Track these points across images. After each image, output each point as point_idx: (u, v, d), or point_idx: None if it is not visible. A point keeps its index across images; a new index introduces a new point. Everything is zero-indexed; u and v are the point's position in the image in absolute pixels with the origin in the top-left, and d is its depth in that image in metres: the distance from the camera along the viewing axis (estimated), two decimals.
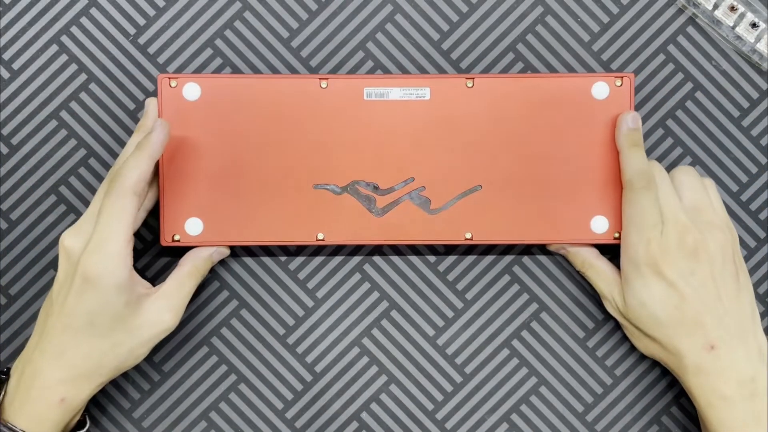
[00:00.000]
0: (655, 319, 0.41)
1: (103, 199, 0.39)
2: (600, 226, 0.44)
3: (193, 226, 0.43)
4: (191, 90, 0.43)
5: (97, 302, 0.39)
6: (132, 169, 0.39)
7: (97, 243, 0.39)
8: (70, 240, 0.40)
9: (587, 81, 0.43)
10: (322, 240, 0.44)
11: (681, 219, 0.41)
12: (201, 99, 0.43)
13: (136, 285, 0.40)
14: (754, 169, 0.46)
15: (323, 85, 0.43)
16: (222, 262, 0.46)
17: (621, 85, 0.43)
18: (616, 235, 0.44)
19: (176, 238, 0.43)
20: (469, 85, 0.43)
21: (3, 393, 0.40)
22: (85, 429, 0.43)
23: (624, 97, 0.43)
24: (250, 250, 0.46)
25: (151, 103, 0.43)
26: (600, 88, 0.43)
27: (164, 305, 0.41)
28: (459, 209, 0.44)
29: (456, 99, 0.43)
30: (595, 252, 0.45)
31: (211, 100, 0.43)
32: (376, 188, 0.44)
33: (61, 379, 0.39)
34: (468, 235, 0.44)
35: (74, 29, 0.46)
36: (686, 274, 0.40)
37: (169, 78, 0.43)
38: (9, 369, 0.41)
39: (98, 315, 0.39)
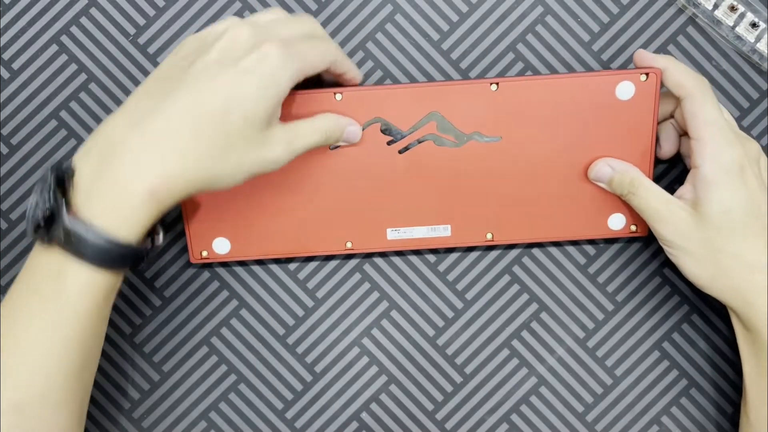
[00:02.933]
0: (735, 228, 0.38)
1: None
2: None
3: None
4: None
5: (247, 93, 0.34)
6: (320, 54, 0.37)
7: (304, 48, 0.36)
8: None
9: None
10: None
11: (740, 132, 0.41)
12: None
13: (277, 111, 0.36)
14: None
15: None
16: (222, 263, 0.46)
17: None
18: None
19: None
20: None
21: (71, 189, 0.33)
22: (160, 240, 0.38)
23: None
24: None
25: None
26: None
27: (284, 138, 0.37)
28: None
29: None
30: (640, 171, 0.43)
31: None
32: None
33: (155, 170, 0.33)
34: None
35: (74, 29, 0.46)
36: (759, 184, 0.39)
37: None
38: (69, 166, 0.34)
39: (236, 108, 0.34)
